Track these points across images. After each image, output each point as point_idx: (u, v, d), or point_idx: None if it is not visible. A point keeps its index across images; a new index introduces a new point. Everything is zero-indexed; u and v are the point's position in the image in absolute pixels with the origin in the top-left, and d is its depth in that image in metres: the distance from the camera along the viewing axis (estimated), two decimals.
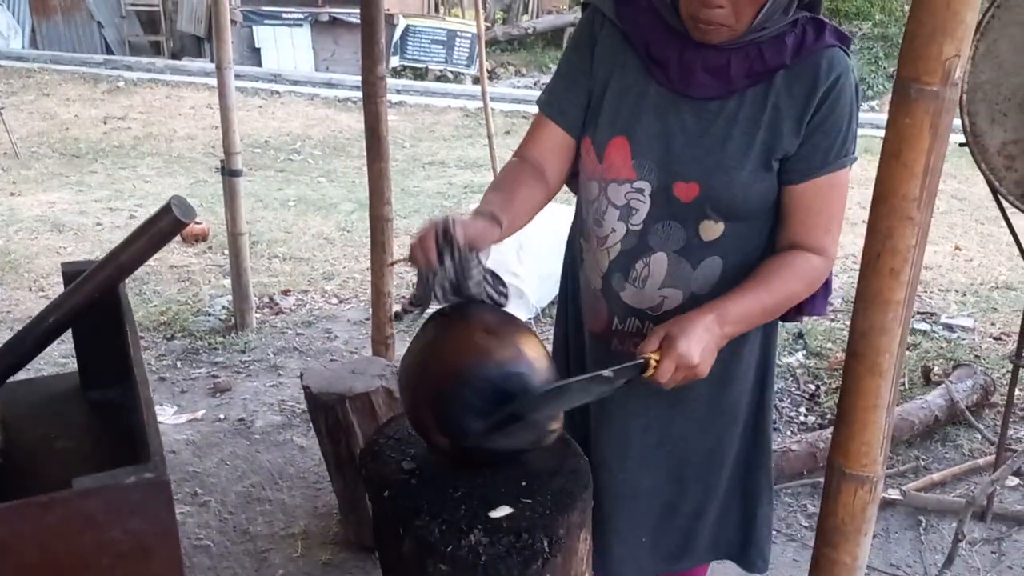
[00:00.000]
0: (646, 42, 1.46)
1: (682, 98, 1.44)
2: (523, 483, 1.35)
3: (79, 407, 1.35)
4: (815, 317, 4.40)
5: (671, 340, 1.32)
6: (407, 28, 14.23)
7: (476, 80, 13.11)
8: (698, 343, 1.32)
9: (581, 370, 1.64)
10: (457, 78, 14.30)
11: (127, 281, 1.35)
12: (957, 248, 5.90)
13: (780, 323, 1.70)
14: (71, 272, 1.33)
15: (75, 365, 1.44)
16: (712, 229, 1.48)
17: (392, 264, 2.73)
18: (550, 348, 1.64)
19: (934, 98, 0.97)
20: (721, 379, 1.60)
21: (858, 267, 1.17)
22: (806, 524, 2.78)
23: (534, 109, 1.63)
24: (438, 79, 14.12)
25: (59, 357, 3.56)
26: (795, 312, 1.60)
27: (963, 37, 0.95)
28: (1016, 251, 2.64)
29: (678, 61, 1.43)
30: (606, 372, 1.30)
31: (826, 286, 1.60)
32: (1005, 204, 2.52)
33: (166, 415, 3.33)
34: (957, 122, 2.63)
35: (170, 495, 0.78)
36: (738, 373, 1.64)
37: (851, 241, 5.82)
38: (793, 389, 3.73)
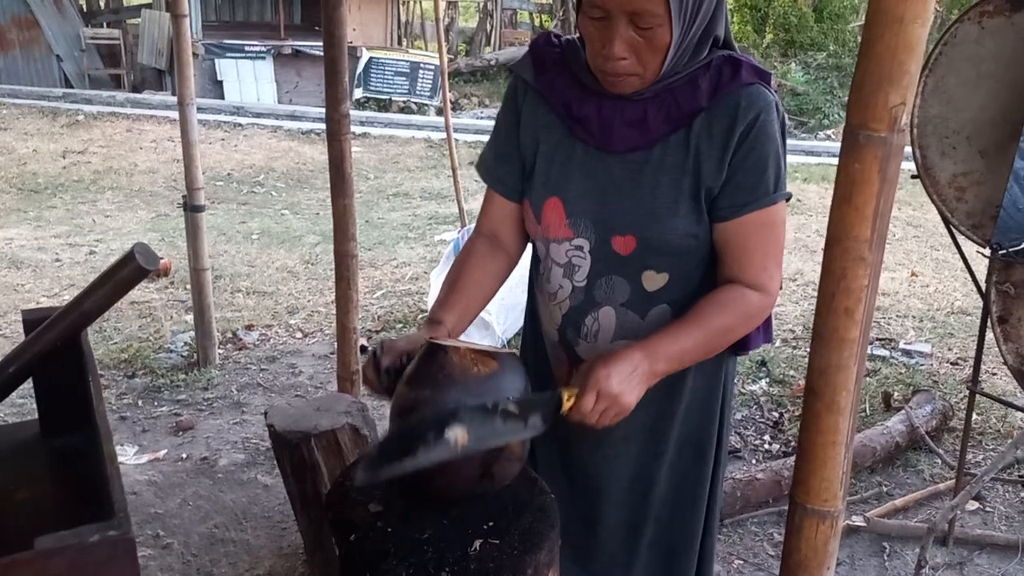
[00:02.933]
0: (566, 103, 1.50)
1: (607, 153, 1.47)
2: (490, 522, 1.35)
3: (40, 456, 1.33)
4: (773, 345, 4.48)
5: (591, 371, 1.32)
6: (370, 60, 14.27)
7: (440, 111, 13.17)
8: (618, 375, 1.31)
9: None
10: (421, 109, 14.37)
11: None
12: (913, 274, 6.02)
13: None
14: (32, 319, 1.32)
15: (31, 406, 1.42)
16: (654, 279, 1.50)
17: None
18: None
19: (882, 144, 1.00)
20: (697, 413, 1.64)
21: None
22: (772, 553, 2.80)
23: None
24: (401, 110, 14.16)
25: (16, 398, 3.49)
26: (734, 349, 1.60)
27: (908, 85, 0.99)
28: (970, 277, 2.71)
29: (597, 118, 1.47)
30: (511, 406, 1.26)
31: (766, 321, 1.61)
32: (957, 233, 2.59)
33: (127, 455, 3.27)
34: (909, 150, 2.70)
35: (135, 553, 0.77)
36: (711, 406, 1.66)
37: (811, 268, 5.92)
38: (757, 417, 3.76)
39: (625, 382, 1.31)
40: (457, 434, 1.21)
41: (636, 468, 1.66)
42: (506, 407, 1.26)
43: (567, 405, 1.32)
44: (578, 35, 1.50)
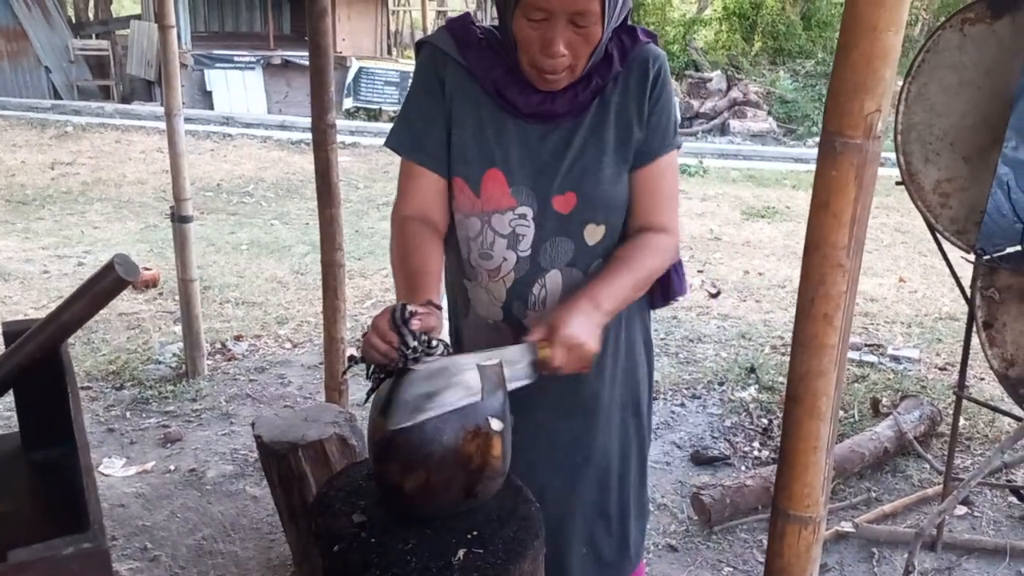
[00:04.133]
0: (494, 81, 1.53)
1: (540, 125, 1.54)
2: (474, 532, 1.35)
3: (20, 469, 1.32)
4: (762, 352, 4.50)
5: (554, 328, 1.38)
6: (360, 70, 14.30)
7: None
8: (579, 324, 1.38)
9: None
10: None
11: None
12: (901, 280, 6.05)
13: (651, 309, 1.79)
14: (12, 331, 1.31)
15: (16, 420, 1.42)
16: (595, 232, 1.57)
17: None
18: None
19: (858, 151, 1.01)
20: (625, 373, 1.71)
21: None
22: (761, 560, 2.79)
23: None
24: (392, 120, 14.17)
25: (3, 411, 3.47)
26: (662, 298, 1.73)
27: (883, 93, 0.99)
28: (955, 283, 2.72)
29: (527, 99, 1.52)
30: (493, 364, 1.34)
31: (679, 270, 1.73)
32: (942, 239, 2.60)
33: (115, 467, 3.26)
34: (890, 155, 2.71)
35: (109, 565, 0.77)
36: (636, 362, 1.73)
37: (799, 274, 5.93)
38: (746, 424, 3.77)
39: (584, 329, 1.38)
40: (470, 379, 1.30)
41: (585, 447, 1.69)
42: (490, 366, 1.34)
43: (541, 356, 1.38)
44: (494, 24, 1.56)
